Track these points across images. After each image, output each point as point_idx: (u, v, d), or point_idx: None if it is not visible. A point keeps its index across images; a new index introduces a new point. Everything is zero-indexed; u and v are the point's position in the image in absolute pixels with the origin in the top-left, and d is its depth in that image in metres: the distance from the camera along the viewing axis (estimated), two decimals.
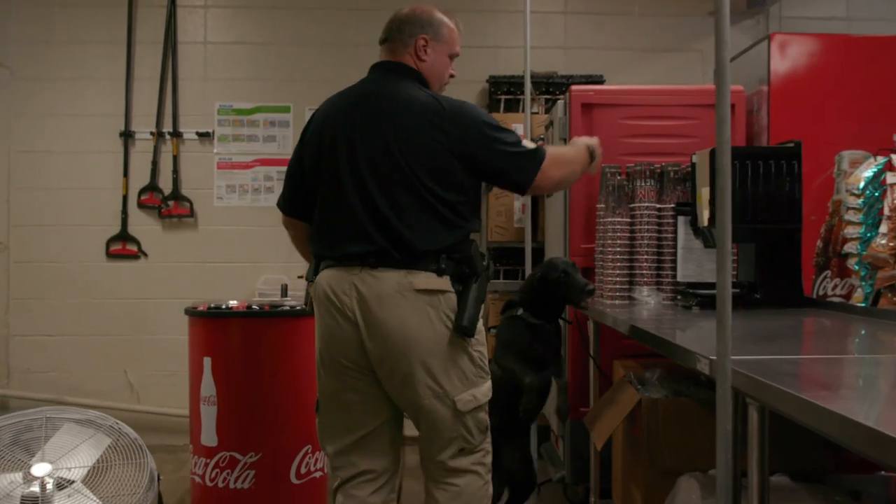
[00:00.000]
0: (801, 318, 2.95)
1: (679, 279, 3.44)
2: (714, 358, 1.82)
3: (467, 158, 2.53)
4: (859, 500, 2.70)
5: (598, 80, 5.10)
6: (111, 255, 5.51)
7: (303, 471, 3.59)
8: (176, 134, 5.50)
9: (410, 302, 2.45)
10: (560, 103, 4.06)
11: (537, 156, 2.61)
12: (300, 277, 5.66)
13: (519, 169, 2.60)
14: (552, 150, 2.69)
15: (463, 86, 4.98)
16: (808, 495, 2.45)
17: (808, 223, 3.66)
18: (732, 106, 3.83)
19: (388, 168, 2.49)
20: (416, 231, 2.47)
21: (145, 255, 5.51)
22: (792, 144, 3.24)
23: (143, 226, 5.52)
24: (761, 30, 5.43)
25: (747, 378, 1.69)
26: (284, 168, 5.28)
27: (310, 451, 3.61)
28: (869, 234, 3.40)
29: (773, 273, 3.25)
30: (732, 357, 1.80)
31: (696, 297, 3.19)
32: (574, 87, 3.93)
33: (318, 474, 3.66)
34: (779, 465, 2.70)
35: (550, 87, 5.14)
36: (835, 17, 5.56)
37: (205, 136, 5.52)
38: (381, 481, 2.62)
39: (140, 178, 5.51)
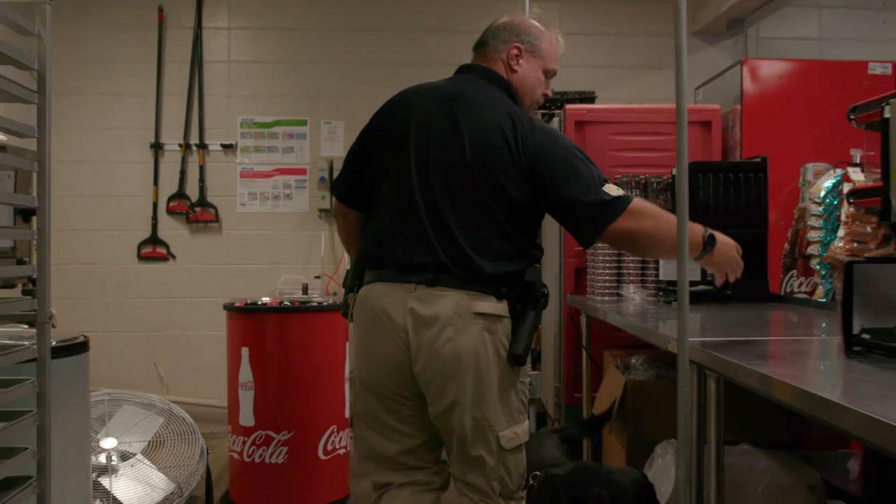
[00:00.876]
0: (766, 311, 3.38)
1: (661, 278, 3.88)
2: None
3: (538, 187, 2.36)
4: (810, 464, 3.16)
5: (591, 97, 5.53)
6: (142, 258, 5.95)
7: (329, 448, 4.04)
8: (202, 146, 5.93)
9: (468, 325, 2.29)
10: (556, 119, 4.52)
11: (616, 206, 2.31)
12: (317, 278, 6.17)
13: (587, 217, 2.34)
14: (643, 203, 2.40)
15: None
16: (765, 457, 2.91)
17: (778, 228, 4.13)
18: (709, 123, 4.33)
19: (460, 179, 2.33)
20: (480, 252, 2.32)
21: (174, 257, 5.95)
22: (759, 159, 3.68)
23: (172, 230, 5.96)
24: (740, 49, 5.89)
25: (705, 353, 2.14)
26: (302, 177, 5.93)
27: (335, 430, 4.07)
28: (828, 238, 3.83)
29: (743, 272, 3.70)
30: (700, 339, 2.26)
31: (674, 293, 3.65)
32: (568, 106, 4.39)
33: (342, 451, 4.11)
34: (744, 435, 3.16)
35: (547, 102, 5.57)
36: (808, 37, 6.03)
37: (228, 147, 5.95)
38: (423, 489, 2.51)
39: (169, 186, 5.95)
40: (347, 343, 4.17)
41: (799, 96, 4.34)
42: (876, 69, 4.24)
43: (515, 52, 2.52)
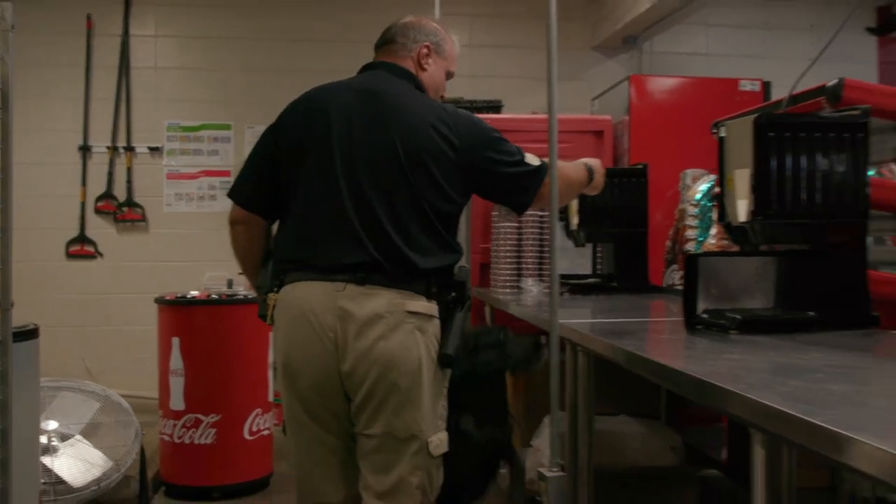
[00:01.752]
0: (644, 299, 3.84)
1: None
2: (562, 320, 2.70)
3: (472, 174, 2.39)
4: (681, 433, 3.63)
5: (498, 105, 5.97)
6: (70, 256, 6.19)
7: (254, 429, 4.38)
8: (129, 148, 6.20)
9: (400, 325, 2.24)
10: None
11: (540, 173, 2.46)
12: (241, 273, 6.42)
13: (522, 189, 2.47)
14: (561, 164, 2.54)
15: None
16: (637, 425, 3.37)
17: (662, 227, 4.60)
18: (601, 132, 4.79)
19: (391, 174, 2.30)
20: (414, 247, 2.29)
21: (101, 255, 6.20)
22: (641, 166, 4.14)
23: (100, 229, 6.21)
24: (635, 63, 6.40)
25: (577, 332, 2.56)
26: (226, 179, 6.23)
27: (259, 413, 4.41)
28: (703, 236, 4.31)
29: (626, 266, 4.14)
30: (577, 321, 2.67)
31: (567, 285, 4.09)
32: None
33: (265, 432, 4.46)
34: (624, 409, 3.62)
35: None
36: (697, 52, 6.57)
37: (155, 150, 6.23)
38: None
39: (97, 186, 6.20)
40: (270, 333, 4.50)
41: (680, 109, 4.82)
42: (746, 86, 4.75)
43: (426, 50, 2.54)
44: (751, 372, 1.73)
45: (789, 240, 2.54)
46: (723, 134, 2.57)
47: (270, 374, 4.51)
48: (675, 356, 2.04)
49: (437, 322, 2.34)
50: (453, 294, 2.37)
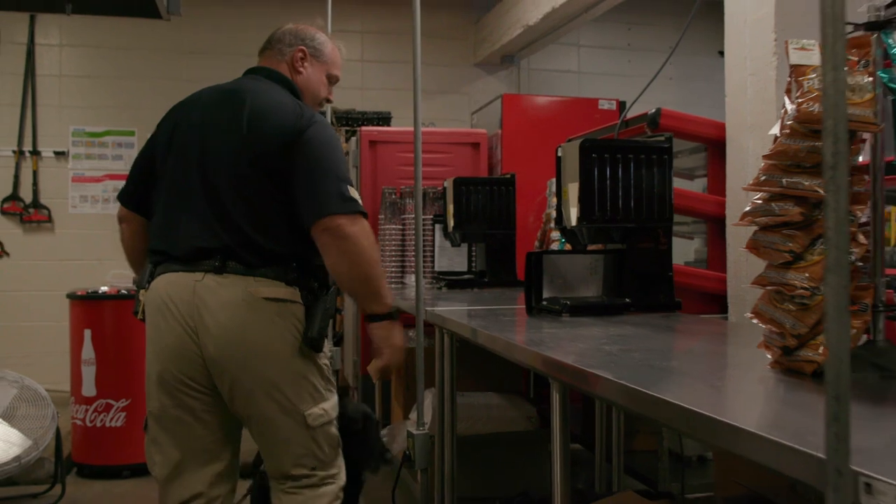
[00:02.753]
0: (509, 292, 4.38)
1: (436, 269, 4.86)
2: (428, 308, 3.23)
3: (293, 163, 2.38)
4: (543, 407, 4.21)
5: (387, 117, 6.47)
6: None
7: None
8: (35, 152, 6.49)
9: (256, 311, 2.32)
10: (353, 138, 5.42)
11: (354, 206, 2.37)
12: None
13: (324, 198, 2.35)
14: (371, 233, 2.44)
15: None
16: (497, 398, 3.93)
17: (534, 227, 5.17)
18: (478, 144, 5.35)
19: (239, 165, 2.37)
20: (260, 230, 2.35)
21: (8, 254, 6.47)
22: (509, 175, 4.71)
23: (6, 230, 6.47)
24: (513, 79, 7.02)
25: (438, 316, 3.09)
26: None
27: None
28: (563, 239, 4.92)
29: (497, 263, 4.69)
30: (451, 308, 3.19)
31: (445, 281, 4.63)
32: (363, 128, 5.31)
33: None
34: (494, 387, 4.17)
35: (350, 121, 6.48)
36: (569, 70, 7.23)
37: (61, 154, 6.53)
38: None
39: (2, 189, 6.47)
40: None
41: (546, 125, 5.39)
42: (604, 105, 5.36)
43: (300, 54, 2.63)
44: (556, 339, 2.30)
45: (611, 240, 3.14)
46: (559, 154, 3.14)
47: None
48: (506, 331, 2.58)
49: (298, 306, 2.40)
50: (314, 280, 2.44)
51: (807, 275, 1.58)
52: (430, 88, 7.02)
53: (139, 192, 2.59)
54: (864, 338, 1.66)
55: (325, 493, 2.49)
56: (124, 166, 6.62)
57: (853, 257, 1.60)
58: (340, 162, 2.44)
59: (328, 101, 2.73)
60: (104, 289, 4.87)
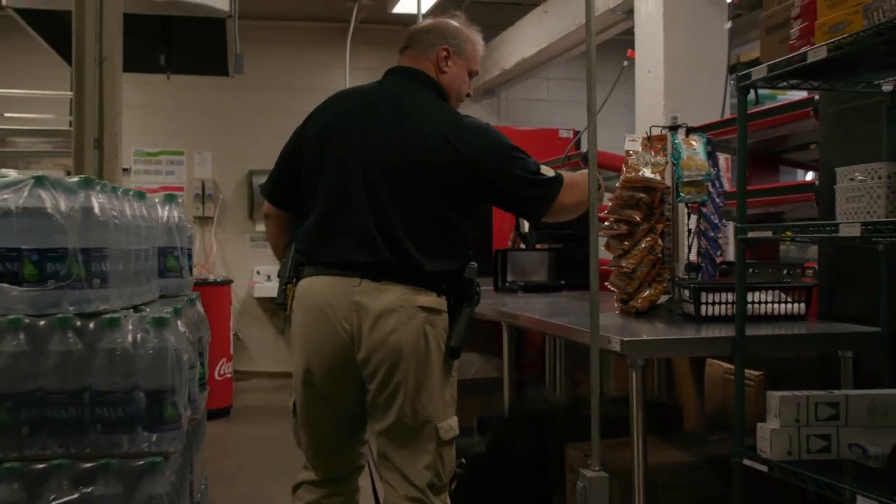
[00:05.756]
0: (483, 279, 5.86)
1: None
2: None
3: (482, 182, 2.43)
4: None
5: None
6: None
7: (220, 373, 6.23)
8: None
9: (411, 318, 2.34)
10: None
11: (553, 184, 2.49)
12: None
13: (535, 199, 2.51)
14: (567, 176, 2.56)
15: None
16: (479, 357, 5.39)
17: (507, 232, 6.59)
18: None
19: (404, 179, 2.38)
20: (424, 251, 2.36)
21: None
22: None
23: None
24: (495, 107, 8.49)
25: None
26: (181, 193, 7.95)
27: (224, 362, 6.27)
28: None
29: (476, 259, 6.16)
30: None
31: None
32: None
33: (228, 375, 6.33)
34: (478, 349, 5.63)
35: None
36: (541, 98, 8.71)
37: (125, 171, 7.95)
38: (340, 491, 2.60)
39: None
40: (230, 307, 6.39)
41: None
42: (563, 133, 6.79)
43: (444, 53, 2.56)
44: (513, 305, 3.76)
45: (553, 241, 4.62)
46: None
47: (231, 336, 6.37)
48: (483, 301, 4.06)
49: (445, 316, 2.42)
50: (461, 292, 2.45)
51: (631, 261, 3.05)
52: None
53: (285, 189, 2.61)
54: (666, 297, 3.12)
55: None
56: (176, 180, 8.06)
57: (658, 252, 3.07)
58: (523, 154, 2.51)
59: (468, 95, 2.68)
60: None
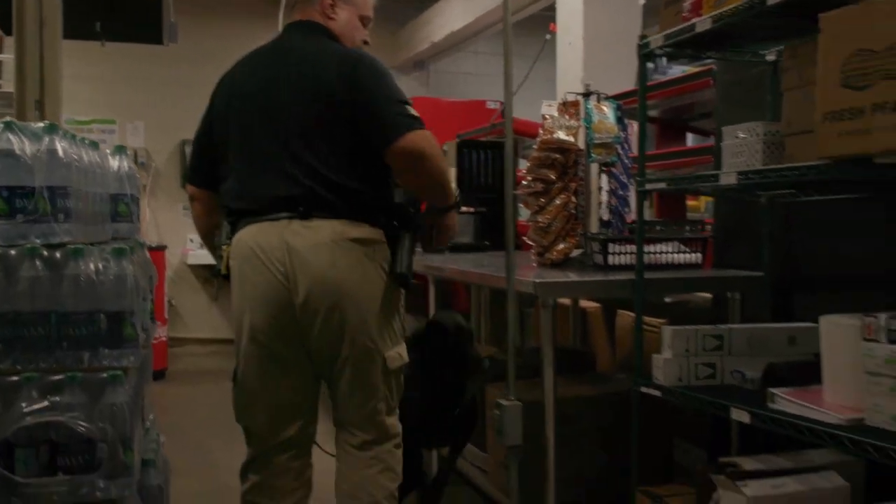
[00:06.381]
0: None
1: None
2: None
3: (358, 97, 2.37)
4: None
5: None
6: None
7: (154, 336, 6.38)
8: None
9: (346, 252, 2.31)
10: None
11: (418, 122, 2.36)
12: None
13: (396, 118, 2.34)
14: (436, 146, 2.44)
15: None
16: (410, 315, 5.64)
17: None
18: None
19: (300, 115, 2.39)
20: (337, 171, 2.34)
21: None
22: None
23: None
24: (425, 80, 8.71)
25: None
26: None
27: (159, 325, 6.41)
28: None
29: None
30: None
31: None
32: None
33: (163, 338, 6.48)
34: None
35: None
36: (469, 72, 8.96)
37: None
38: (298, 449, 2.50)
39: None
40: (164, 273, 6.52)
41: (447, 121, 6.97)
42: (490, 104, 7.05)
43: (330, 1, 2.57)
44: (440, 261, 4.00)
45: (478, 205, 4.88)
46: (446, 148, 4.86)
47: (165, 302, 6.51)
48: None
49: (384, 247, 2.39)
50: (396, 219, 2.42)
51: (546, 217, 3.32)
52: None
53: (204, 168, 2.62)
54: (579, 251, 3.41)
55: (392, 453, 2.48)
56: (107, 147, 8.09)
57: (572, 209, 3.35)
58: (395, 86, 2.44)
59: (365, 42, 2.68)
60: None
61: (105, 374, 1.83)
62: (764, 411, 2.20)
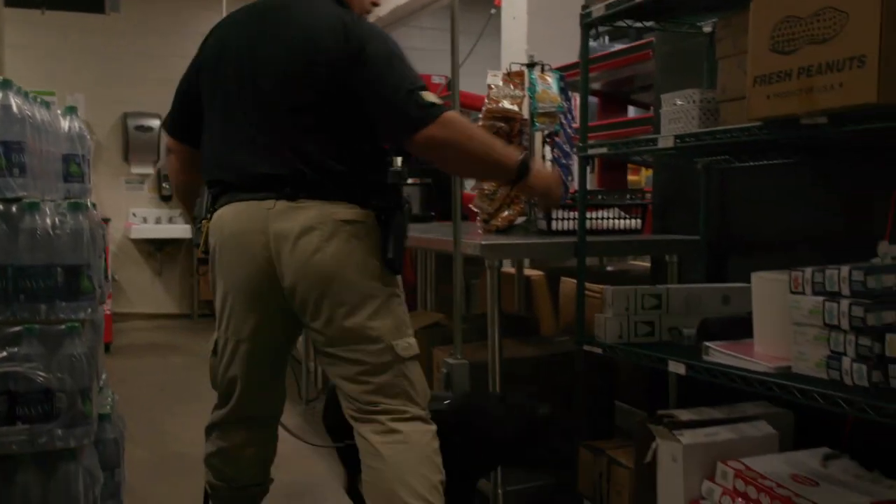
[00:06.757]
0: None
1: None
2: None
3: (363, 86, 2.18)
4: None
5: None
6: None
7: None
8: None
9: (333, 234, 2.17)
10: None
11: (430, 110, 2.15)
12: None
13: (399, 121, 2.17)
14: (457, 117, 2.23)
15: None
16: None
17: None
18: None
19: (293, 86, 2.21)
20: (328, 152, 2.18)
21: None
22: None
23: None
24: None
25: None
26: None
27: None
28: None
29: None
30: None
31: None
32: None
33: (108, 311, 6.44)
34: None
35: None
36: (415, 47, 8.96)
37: None
38: (265, 421, 2.47)
39: None
40: (108, 247, 6.47)
41: None
42: (436, 79, 7.08)
43: None
44: None
45: (424, 175, 4.95)
46: None
47: (111, 275, 6.46)
48: None
49: (374, 228, 2.23)
50: (386, 200, 2.26)
51: (491, 184, 3.40)
52: None
53: (185, 120, 2.46)
54: (523, 218, 3.49)
55: (423, 431, 2.25)
56: None
57: None
58: (407, 70, 2.23)
59: (375, 4, 2.50)
60: None
61: (63, 326, 1.87)
62: (699, 363, 2.31)
